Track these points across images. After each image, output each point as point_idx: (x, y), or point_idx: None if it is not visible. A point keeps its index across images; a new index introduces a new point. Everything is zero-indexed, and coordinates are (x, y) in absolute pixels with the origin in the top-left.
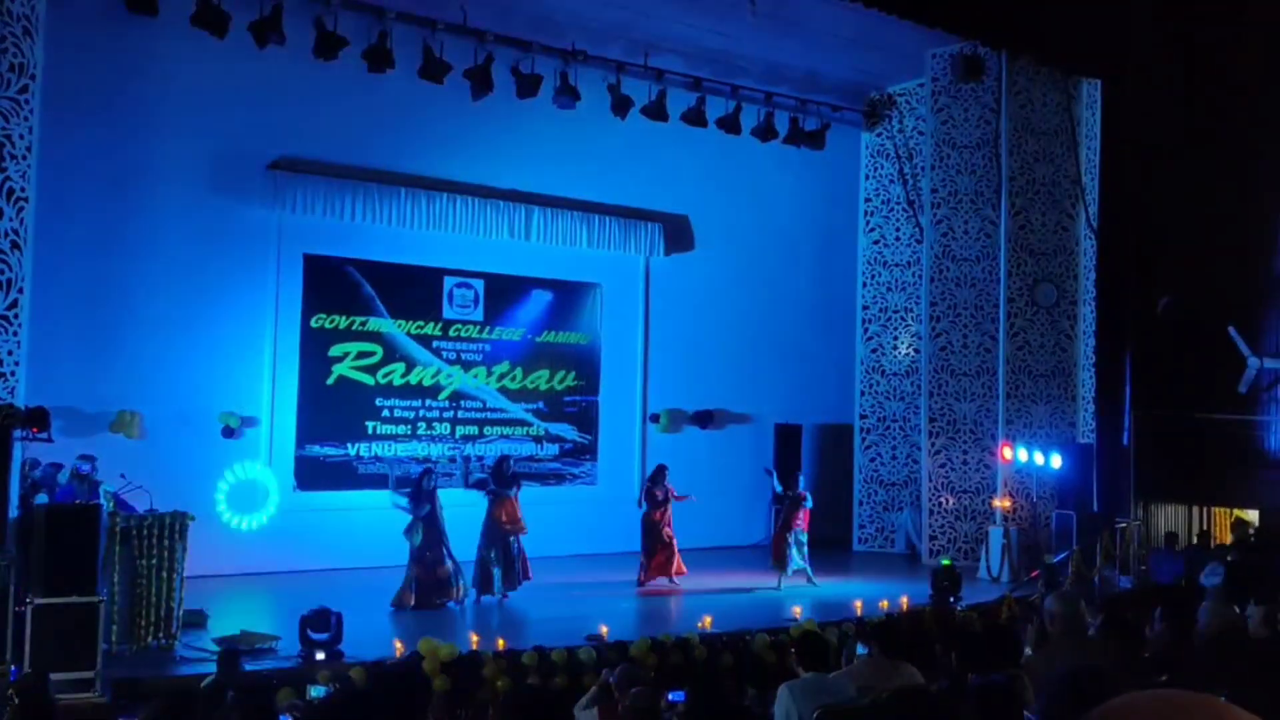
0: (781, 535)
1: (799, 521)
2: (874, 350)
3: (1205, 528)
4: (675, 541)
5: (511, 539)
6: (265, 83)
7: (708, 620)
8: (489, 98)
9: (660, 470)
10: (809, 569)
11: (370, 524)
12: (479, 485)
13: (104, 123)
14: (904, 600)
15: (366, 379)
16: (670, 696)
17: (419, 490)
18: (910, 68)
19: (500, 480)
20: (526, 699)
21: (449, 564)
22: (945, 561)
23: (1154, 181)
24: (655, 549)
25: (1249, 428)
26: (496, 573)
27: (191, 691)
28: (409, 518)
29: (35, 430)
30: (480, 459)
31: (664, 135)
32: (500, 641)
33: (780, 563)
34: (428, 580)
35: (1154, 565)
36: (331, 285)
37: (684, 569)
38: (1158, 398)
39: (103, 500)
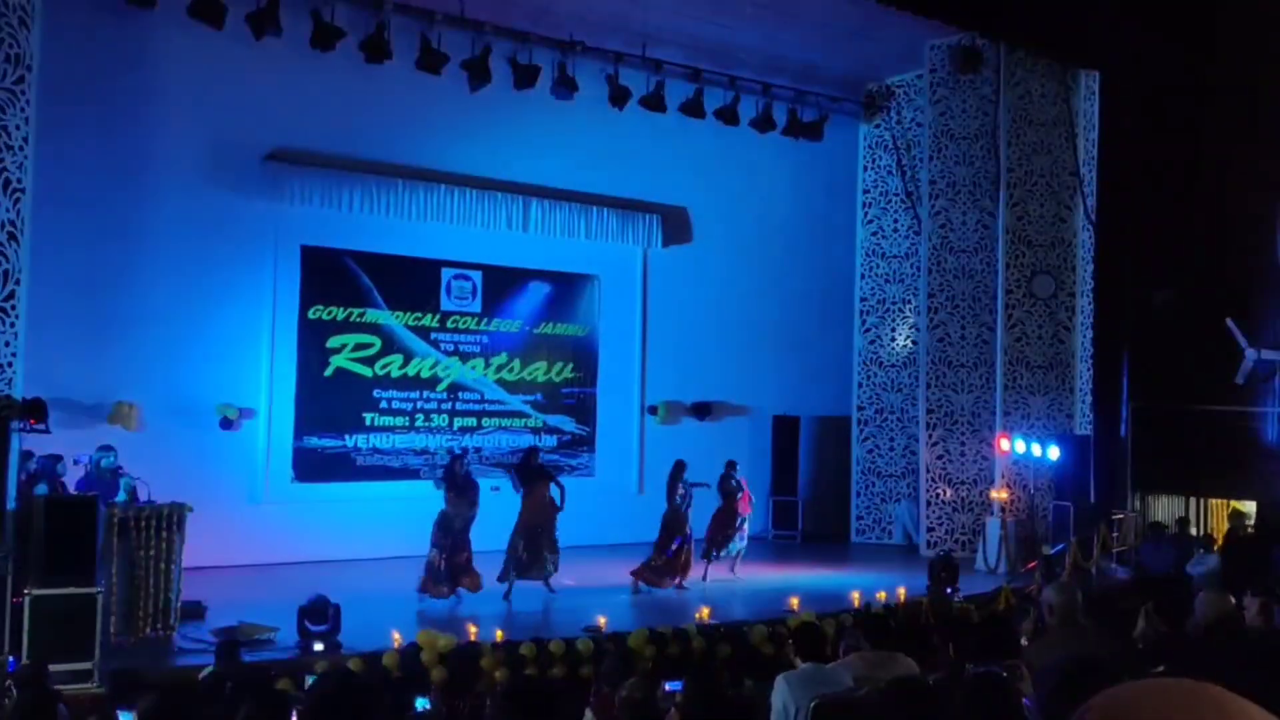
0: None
1: (743, 508)
2: (871, 342)
3: (1184, 516)
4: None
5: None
6: (262, 74)
7: (705, 611)
8: (487, 89)
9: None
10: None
11: (368, 515)
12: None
13: (101, 114)
14: (901, 591)
15: (364, 370)
16: (668, 686)
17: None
18: (908, 59)
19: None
20: (524, 690)
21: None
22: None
23: (1152, 173)
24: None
25: (1246, 419)
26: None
27: (190, 683)
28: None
29: (33, 421)
30: (478, 450)
31: (662, 126)
32: (498, 633)
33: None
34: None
35: (1145, 556)
36: (329, 276)
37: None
38: (1155, 389)
39: (122, 491)
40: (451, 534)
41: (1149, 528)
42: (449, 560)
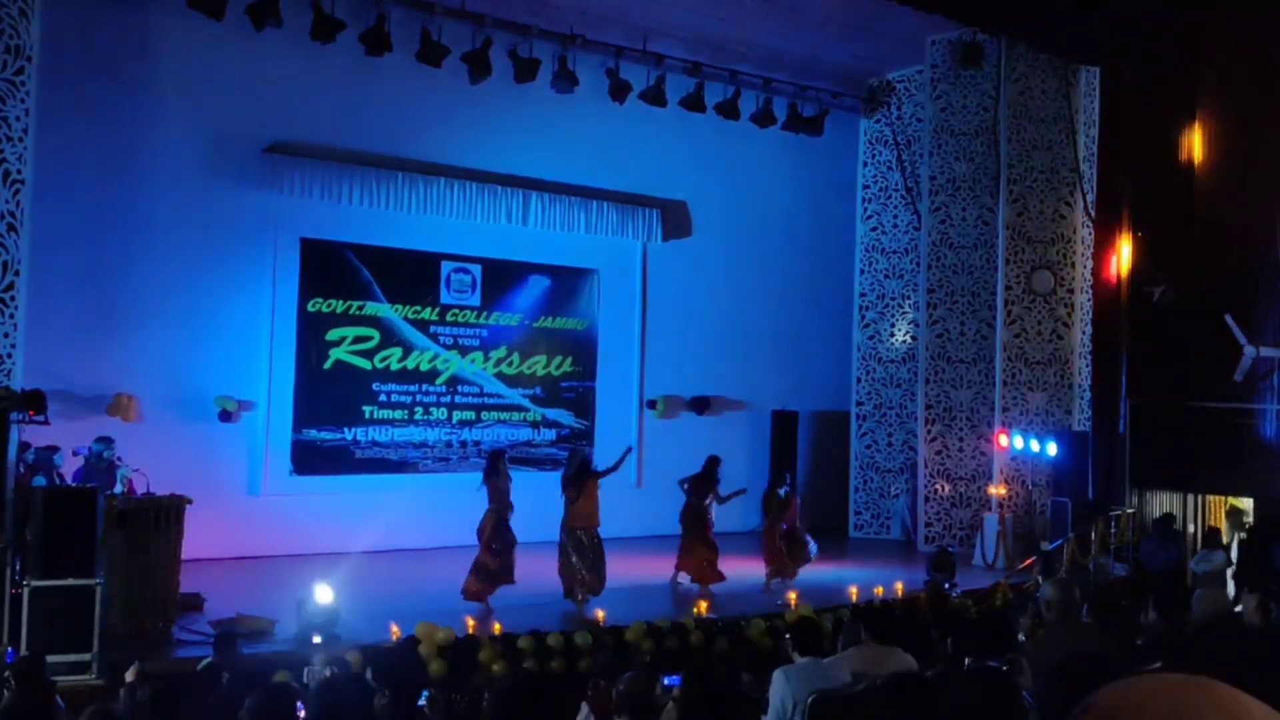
0: (778, 534)
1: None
2: (871, 337)
3: (1169, 512)
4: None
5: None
6: (262, 66)
7: (703, 605)
8: (487, 82)
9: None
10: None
11: (367, 508)
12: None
13: (101, 105)
14: (899, 586)
15: (363, 363)
16: (665, 681)
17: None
18: (909, 54)
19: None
20: (521, 684)
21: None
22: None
23: (1152, 169)
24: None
25: (1244, 416)
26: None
27: (188, 674)
28: None
29: (32, 413)
30: (477, 444)
31: (662, 121)
32: (496, 626)
33: (782, 565)
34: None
35: (1143, 552)
36: (329, 269)
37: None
38: (1154, 386)
39: (119, 483)
40: (507, 534)
41: (1147, 524)
42: (502, 560)
